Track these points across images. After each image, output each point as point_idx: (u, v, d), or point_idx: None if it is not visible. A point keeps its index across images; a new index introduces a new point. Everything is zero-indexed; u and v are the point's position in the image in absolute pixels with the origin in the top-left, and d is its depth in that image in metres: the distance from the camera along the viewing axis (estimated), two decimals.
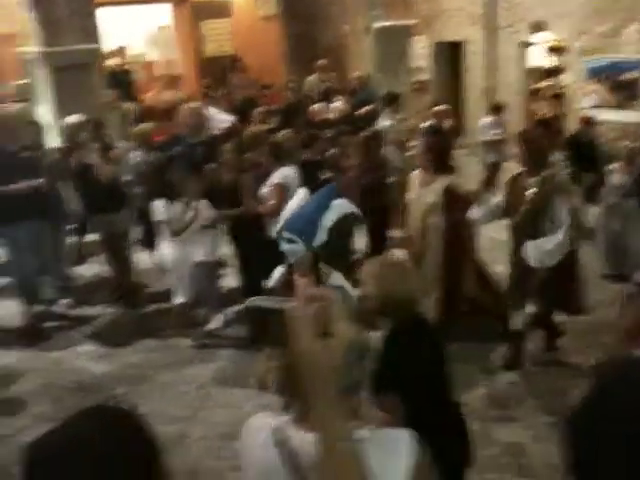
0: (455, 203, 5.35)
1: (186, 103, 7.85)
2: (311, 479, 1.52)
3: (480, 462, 3.32)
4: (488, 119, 9.78)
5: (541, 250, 4.90)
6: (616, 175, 7.21)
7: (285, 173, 5.96)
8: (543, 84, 12.14)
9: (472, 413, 4.07)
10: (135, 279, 7.14)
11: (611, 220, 7.16)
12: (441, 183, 5.37)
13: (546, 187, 4.86)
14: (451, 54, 13.06)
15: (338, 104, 10.30)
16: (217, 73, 12.69)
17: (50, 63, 9.05)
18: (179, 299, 6.04)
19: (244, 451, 1.70)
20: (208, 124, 7.45)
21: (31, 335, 6.44)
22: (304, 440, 1.53)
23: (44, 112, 9.15)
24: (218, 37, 14.74)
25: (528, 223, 4.92)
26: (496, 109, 10.05)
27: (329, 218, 4.86)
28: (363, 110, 10.12)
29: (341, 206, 5.06)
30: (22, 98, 9.40)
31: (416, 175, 5.65)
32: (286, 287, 3.71)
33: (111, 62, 12.14)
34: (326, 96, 10.45)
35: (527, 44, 11.62)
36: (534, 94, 12.09)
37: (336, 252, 4.91)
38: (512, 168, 6.12)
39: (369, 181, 6.27)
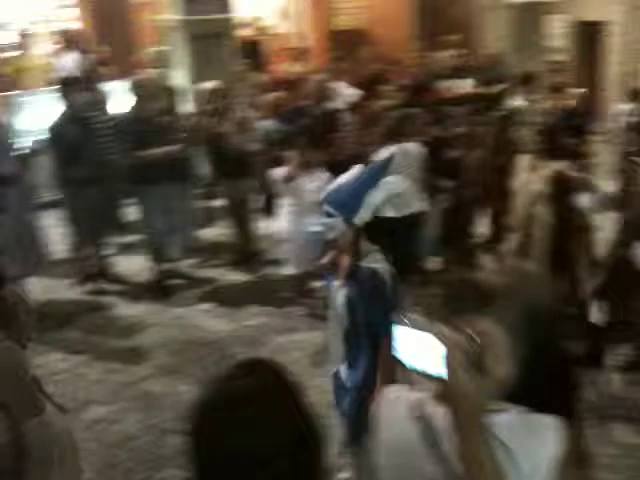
0: (565, 193, 4.97)
1: (313, 75, 7.93)
2: (450, 458, 1.49)
3: (598, 462, 3.20)
4: (626, 106, 9.20)
5: None
6: None
7: (392, 151, 5.85)
8: None
9: (591, 411, 3.92)
10: (256, 245, 7.36)
11: None
12: (551, 169, 5.03)
13: None
14: (591, 35, 12.35)
15: (468, 82, 10.02)
16: (346, 46, 12.68)
17: (188, 31, 9.41)
18: (291, 269, 6.16)
19: (378, 423, 1.67)
20: (333, 97, 7.49)
21: (157, 290, 6.80)
22: (446, 418, 1.50)
23: (180, 78, 9.53)
24: (349, 10, 14.71)
25: None
26: (635, 95, 9.43)
27: (377, 196, 4.54)
28: (495, 89, 9.81)
29: (392, 184, 4.81)
30: (159, 64, 9.81)
31: (526, 159, 5.37)
32: (332, 264, 3.59)
33: (243, 32, 12.41)
34: (456, 73, 10.20)
35: None
36: None
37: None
38: None
39: (500, 163, 6.10)
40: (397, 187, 4.97)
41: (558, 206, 4.93)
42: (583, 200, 5.06)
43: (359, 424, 2.87)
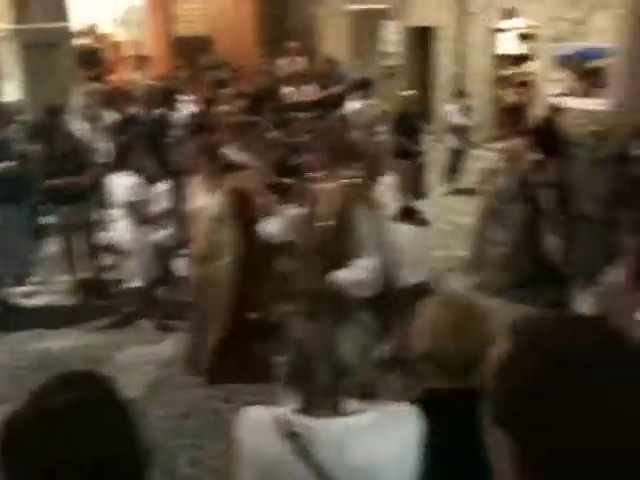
0: (246, 210, 4.53)
1: (151, 83, 7.82)
2: (326, 468, 1.53)
3: None
4: (454, 105, 9.84)
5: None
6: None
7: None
8: (511, 71, 12.24)
9: None
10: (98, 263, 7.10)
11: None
12: (224, 188, 4.52)
13: None
14: (422, 39, 13.08)
15: (309, 88, 10.29)
16: (188, 54, 12.59)
17: (19, 40, 8.94)
18: (137, 281, 6.03)
19: (241, 445, 1.64)
20: (172, 104, 7.44)
21: None
22: (315, 429, 1.55)
23: (11, 89, 9.03)
24: (190, 17, 14.60)
25: None
26: (459, 95, 10.09)
27: None
28: (328, 93, 10.13)
29: None
30: None
31: (198, 181, 4.78)
32: None
33: (81, 41, 11.98)
34: (297, 79, 10.43)
35: (497, 31, 11.69)
36: (502, 81, 12.18)
37: None
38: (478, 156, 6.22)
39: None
40: None
41: (243, 227, 4.55)
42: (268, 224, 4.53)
43: None
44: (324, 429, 1.54)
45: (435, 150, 10.11)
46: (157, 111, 7.26)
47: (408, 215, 8.78)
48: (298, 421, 1.56)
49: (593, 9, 9.76)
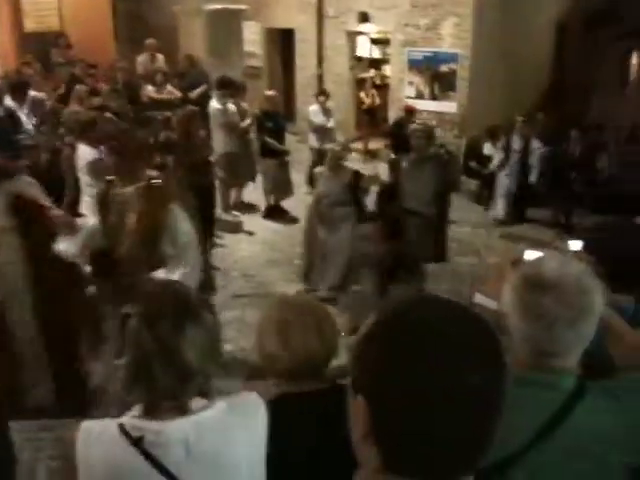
0: (33, 221, 3.87)
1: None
2: (177, 470, 1.52)
3: None
4: (315, 106, 10.05)
5: None
6: None
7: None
8: (369, 74, 12.69)
9: None
10: None
11: None
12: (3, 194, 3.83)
13: None
14: (283, 41, 13.24)
15: (168, 86, 10.12)
16: (39, 50, 11.95)
17: None
18: None
19: (84, 461, 1.56)
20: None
21: None
22: (163, 431, 1.52)
23: None
24: (41, 12, 13.84)
25: None
26: (322, 95, 10.32)
27: None
28: (195, 93, 10.04)
29: None
30: None
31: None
32: None
33: None
34: (156, 77, 10.22)
35: (354, 34, 12.06)
36: (360, 83, 12.60)
37: None
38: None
39: (192, 161, 6.25)
40: None
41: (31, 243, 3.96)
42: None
43: None
44: (172, 430, 1.52)
45: (298, 150, 10.28)
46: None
47: (276, 213, 8.91)
48: (143, 426, 1.53)
49: (442, 16, 10.33)
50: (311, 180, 6.95)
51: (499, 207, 9.22)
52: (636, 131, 11.28)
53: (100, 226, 3.86)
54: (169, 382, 1.51)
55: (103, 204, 3.85)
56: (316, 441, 1.72)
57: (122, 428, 1.53)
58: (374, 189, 6.89)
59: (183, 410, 1.56)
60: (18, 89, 7.68)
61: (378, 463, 0.98)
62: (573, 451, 1.57)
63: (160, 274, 3.54)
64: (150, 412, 1.55)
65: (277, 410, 1.73)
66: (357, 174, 6.63)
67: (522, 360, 1.65)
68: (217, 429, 1.57)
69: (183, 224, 3.69)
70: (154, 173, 3.81)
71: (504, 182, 9.13)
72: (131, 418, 1.56)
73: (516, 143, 9.07)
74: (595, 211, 8.16)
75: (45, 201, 4.05)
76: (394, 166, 6.37)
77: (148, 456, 1.50)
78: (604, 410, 1.60)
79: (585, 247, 2.23)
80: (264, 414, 1.67)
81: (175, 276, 3.47)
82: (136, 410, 1.58)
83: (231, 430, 1.60)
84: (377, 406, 0.96)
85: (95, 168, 5.63)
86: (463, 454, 0.97)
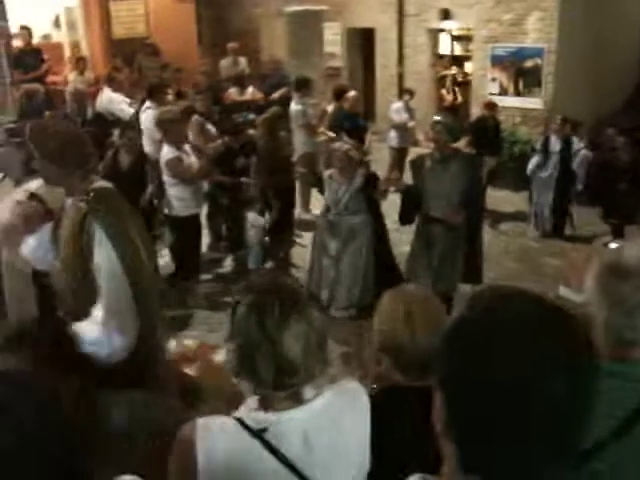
0: None
1: (92, 85, 7.71)
2: (296, 460, 1.55)
3: None
4: (399, 103, 10.00)
5: None
6: None
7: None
8: (450, 71, 12.51)
9: None
10: None
11: None
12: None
13: None
14: (363, 41, 13.23)
15: (250, 89, 10.30)
16: (127, 55, 12.42)
17: None
18: None
19: (206, 457, 1.56)
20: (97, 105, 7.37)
21: None
22: (280, 422, 1.56)
23: None
24: (129, 18, 14.38)
25: None
26: (406, 93, 10.26)
27: None
28: (277, 94, 10.17)
29: None
30: None
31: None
32: None
33: (17, 42, 11.68)
34: (239, 80, 10.43)
35: (435, 31, 11.92)
36: (442, 81, 12.43)
37: None
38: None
39: (274, 162, 6.35)
40: None
41: None
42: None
43: None
44: (289, 420, 1.56)
45: (379, 150, 10.25)
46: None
47: None
48: (262, 418, 1.56)
49: (526, 11, 10.07)
50: (320, 184, 6.07)
51: (534, 221, 8.23)
52: None
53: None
54: (271, 373, 1.53)
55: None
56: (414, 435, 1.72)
57: (241, 422, 1.56)
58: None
59: (297, 400, 1.59)
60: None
61: (455, 461, 0.98)
62: None
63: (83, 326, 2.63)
64: (265, 404, 1.59)
65: (385, 402, 1.81)
66: (372, 177, 5.99)
67: (603, 350, 1.64)
68: (330, 416, 1.61)
69: (102, 247, 2.63)
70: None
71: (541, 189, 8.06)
72: (248, 411, 1.60)
73: (555, 145, 7.89)
74: None
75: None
76: (416, 167, 5.26)
77: (271, 447, 1.53)
78: None
79: None
80: (367, 399, 1.72)
81: (91, 331, 2.60)
82: (251, 403, 1.61)
83: (342, 415, 1.64)
84: (452, 403, 0.97)
85: (173, 166, 5.81)
86: (539, 462, 0.95)
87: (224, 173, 6.58)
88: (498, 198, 9.16)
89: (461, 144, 10.08)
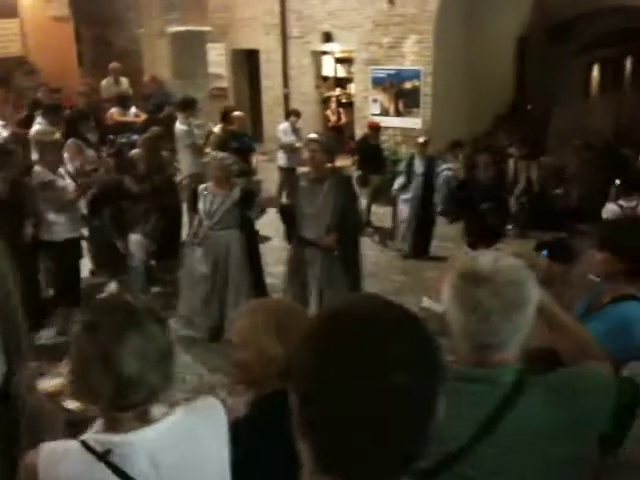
0: None
1: None
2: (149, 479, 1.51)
3: None
4: (285, 124, 10.09)
5: None
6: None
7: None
8: (334, 92, 12.80)
9: None
10: None
11: None
12: None
13: None
14: (248, 62, 13.30)
15: (133, 109, 10.09)
16: (1, 75, 11.87)
17: None
18: None
19: None
20: None
21: None
22: (126, 443, 1.50)
23: None
24: (2, 37, 13.77)
25: None
26: (292, 116, 10.37)
27: None
28: (162, 114, 10.01)
29: None
30: None
31: None
32: None
33: None
34: (121, 100, 10.19)
35: (319, 54, 12.17)
36: (326, 102, 12.69)
37: None
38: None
39: (157, 182, 6.24)
40: None
41: None
42: None
43: None
44: (136, 441, 1.51)
45: (267, 170, 10.29)
46: None
47: None
48: (107, 439, 1.51)
49: (404, 35, 10.48)
50: (194, 200, 5.85)
51: (400, 238, 8.27)
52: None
53: None
54: (108, 391, 1.49)
55: None
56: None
57: (85, 444, 1.50)
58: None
59: (144, 420, 1.54)
60: None
61: (311, 463, 0.99)
62: (516, 445, 1.58)
63: None
64: (110, 425, 1.53)
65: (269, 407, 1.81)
66: (250, 193, 5.88)
67: (464, 357, 1.69)
68: (181, 434, 1.57)
69: None
70: None
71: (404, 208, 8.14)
72: (93, 434, 1.54)
73: (419, 166, 7.98)
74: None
75: None
76: (290, 186, 5.21)
77: (116, 469, 1.48)
78: (544, 403, 1.62)
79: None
80: (224, 413, 1.69)
81: None
82: (97, 425, 1.55)
83: (195, 432, 1.60)
84: (305, 405, 0.98)
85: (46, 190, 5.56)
86: (391, 454, 0.96)
87: (111, 197, 6.38)
88: (383, 215, 9.40)
89: (347, 163, 10.35)
